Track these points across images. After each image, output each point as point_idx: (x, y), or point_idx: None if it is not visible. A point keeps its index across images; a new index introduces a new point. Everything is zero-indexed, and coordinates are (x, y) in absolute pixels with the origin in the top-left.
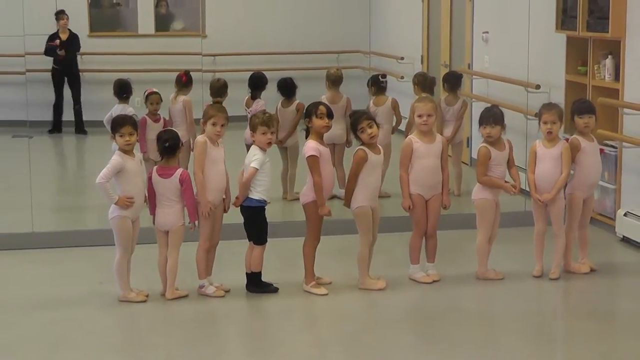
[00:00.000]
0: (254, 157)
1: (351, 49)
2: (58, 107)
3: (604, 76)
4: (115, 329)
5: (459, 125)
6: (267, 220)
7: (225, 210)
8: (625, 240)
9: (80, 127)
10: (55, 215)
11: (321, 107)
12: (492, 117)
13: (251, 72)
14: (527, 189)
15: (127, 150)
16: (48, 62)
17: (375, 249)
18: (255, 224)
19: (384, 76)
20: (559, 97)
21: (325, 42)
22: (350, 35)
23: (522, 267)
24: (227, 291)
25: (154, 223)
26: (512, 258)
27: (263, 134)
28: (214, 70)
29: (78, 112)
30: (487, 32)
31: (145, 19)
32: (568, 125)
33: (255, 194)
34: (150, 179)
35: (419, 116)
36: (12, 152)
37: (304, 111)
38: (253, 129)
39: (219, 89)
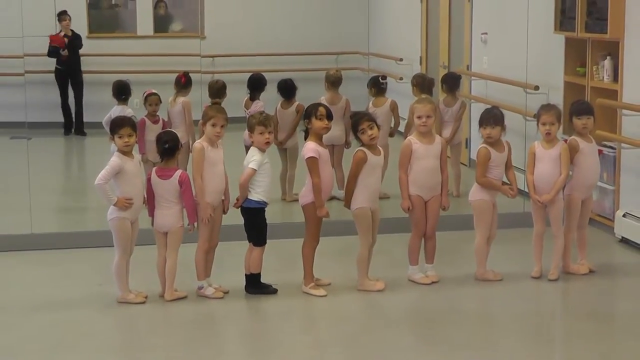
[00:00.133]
0: (252, 158)
1: (350, 50)
2: (65, 108)
3: (603, 77)
4: (114, 331)
5: (458, 127)
6: (267, 221)
7: (224, 212)
8: (624, 241)
9: (79, 128)
10: (54, 216)
11: (321, 109)
12: (493, 118)
13: (250, 74)
14: (526, 190)
15: (126, 152)
16: (47, 63)
17: (374, 250)
18: (255, 225)
19: (384, 78)
20: (557, 98)
21: (324, 43)
22: (349, 37)
23: (521, 268)
24: (226, 292)
25: (152, 224)
26: (510, 259)
27: (261, 133)
28: (212, 71)
29: (78, 113)
30: (485, 33)
31: (144, 20)
32: (567, 126)
33: (255, 195)
34: (149, 180)
35: (418, 117)
36: (11, 154)
37: (304, 112)
38: (251, 130)
39: (217, 90)
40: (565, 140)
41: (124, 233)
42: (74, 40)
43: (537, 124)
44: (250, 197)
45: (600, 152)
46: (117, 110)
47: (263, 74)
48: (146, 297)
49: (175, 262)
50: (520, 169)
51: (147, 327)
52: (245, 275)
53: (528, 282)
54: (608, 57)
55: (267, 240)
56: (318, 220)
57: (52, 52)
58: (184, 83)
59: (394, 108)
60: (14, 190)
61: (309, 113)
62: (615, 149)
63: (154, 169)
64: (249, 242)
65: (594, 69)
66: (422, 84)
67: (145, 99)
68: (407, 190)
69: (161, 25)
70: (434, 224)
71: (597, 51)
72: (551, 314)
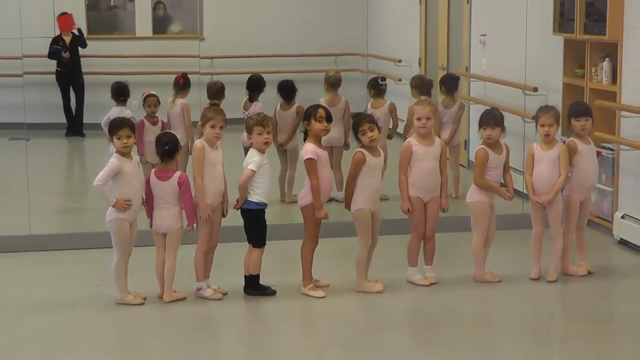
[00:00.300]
0: (251, 160)
1: (349, 51)
2: (67, 110)
3: (602, 79)
4: (112, 332)
5: (457, 128)
6: (266, 222)
7: (223, 214)
8: (623, 242)
9: (78, 129)
10: (53, 217)
11: (320, 111)
12: (493, 119)
13: (249, 75)
14: (525, 192)
15: (124, 153)
16: (46, 64)
17: (374, 252)
18: (255, 226)
19: (383, 79)
20: (556, 100)
21: (323, 45)
22: (348, 38)
23: (520, 269)
24: (225, 294)
25: (151, 226)
26: (509, 260)
27: (259, 134)
28: (211, 72)
29: (79, 114)
30: (484, 35)
31: (143, 21)
32: (565, 127)
33: (255, 197)
34: (148, 181)
35: (418, 119)
36: (10, 155)
37: (303, 114)
38: (249, 131)
39: (216, 92)
40: (564, 142)
41: (122, 234)
42: (75, 42)
43: (536, 126)
44: (250, 198)
45: (598, 153)
46: (116, 111)
47: (262, 75)
48: (145, 299)
49: (174, 264)
50: (519, 170)
51: (146, 329)
52: (245, 276)
53: (527, 283)
54: (607, 59)
55: (266, 242)
56: (317, 222)
57: (53, 53)
58: (182, 84)
59: (392, 110)
60: (12, 191)
61: (308, 115)
62: (614, 150)
63: (153, 170)
64: (249, 243)
65: (593, 71)
66: (421, 86)
67: (144, 100)
68: (407, 192)
69: (160, 26)
70: (433, 226)
71: (595, 53)
72: (550, 316)
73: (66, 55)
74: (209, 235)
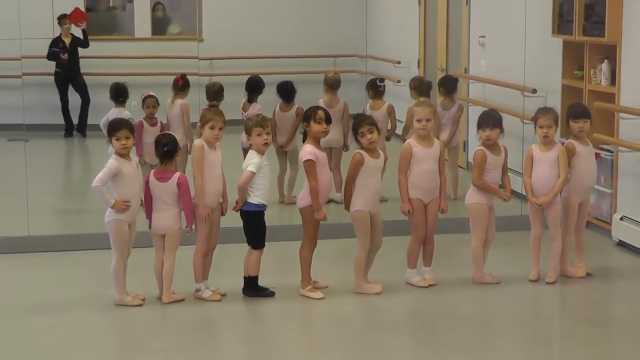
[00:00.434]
0: (251, 161)
1: (348, 52)
2: (66, 111)
3: (600, 80)
4: (111, 333)
5: (455, 129)
6: (265, 224)
7: (223, 213)
8: (622, 244)
9: (82, 129)
10: (52, 218)
11: (320, 112)
12: (492, 120)
13: (248, 76)
14: (524, 193)
15: (123, 154)
16: (45, 65)
17: (377, 253)
18: (254, 228)
19: (381, 80)
20: (555, 102)
21: (322, 46)
22: (347, 39)
23: (519, 271)
24: (224, 295)
25: (150, 227)
26: (508, 262)
27: (258, 135)
28: (210, 74)
29: (84, 114)
30: (483, 36)
31: (142, 22)
32: (564, 129)
33: (254, 198)
34: (147, 182)
35: (418, 121)
36: (9, 156)
37: (303, 115)
38: (248, 133)
39: (215, 93)
40: (562, 144)
41: (121, 235)
42: (75, 43)
43: (535, 127)
44: (249, 200)
45: (597, 155)
46: (115, 112)
47: (261, 76)
48: (143, 300)
49: (172, 265)
50: (518, 172)
51: (145, 330)
52: (244, 277)
53: (526, 285)
54: (606, 61)
55: (265, 243)
56: (316, 223)
57: (52, 55)
58: (181, 85)
59: (391, 111)
60: (11, 192)
61: (307, 116)
62: (612, 152)
63: (152, 171)
64: (249, 245)
65: (592, 73)
66: (420, 87)
67: (143, 101)
68: (407, 194)
69: (159, 27)
70: (432, 227)
71: (594, 54)
72: (549, 317)
73: (64, 57)
74: (207, 237)
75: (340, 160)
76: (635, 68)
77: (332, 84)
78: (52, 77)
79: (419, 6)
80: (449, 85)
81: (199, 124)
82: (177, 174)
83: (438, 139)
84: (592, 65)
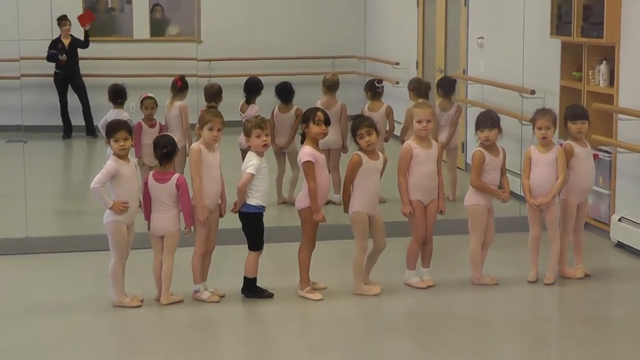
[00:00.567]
0: (250, 163)
1: (346, 54)
2: (65, 113)
3: (599, 82)
4: (109, 335)
5: (454, 131)
6: (264, 225)
7: (221, 215)
8: (620, 245)
9: (90, 129)
10: (50, 220)
11: (319, 114)
12: (490, 120)
13: (246, 77)
14: (522, 194)
15: (121, 155)
16: (43, 67)
17: (380, 255)
18: (253, 230)
19: (379, 81)
20: (553, 103)
21: (321, 48)
22: (346, 41)
23: (517, 272)
24: (222, 296)
25: (148, 228)
26: (507, 263)
27: (258, 136)
28: (209, 75)
29: (87, 115)
30: (482, 38)
31: (141, 24)
32: (562, 130)
33: (253, 200)
34: (146, 184)
35: (419, 121)
36: (7, 157)
37: (302, 117)
38: (247, 134)
39: (213, 95)
40: (561, 145)
41: (119, 237)
42: (74, 44)
43: (533, 129)
44: (248, 201)
45: (596, 156)
46: (113, 114)
47: (259, 77)
48: (142, 301)
49: (171, 266)
50: (516, 173)
51: (143, 331)
52: (244, 277)
53: (524, 286)
54: (604, 62)
55: (264, 244)
56: (314, 225)
57: (51, 57)
58: (180, 87)
59: (389, 113)
60: (9, 193)
61: (306, 118)
62: (611, 153)
63: (151, 172)
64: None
65: (590, 74)
66: (419, 89)
67: (142, 102)
68: (408, 195)
69: (158, 29)
70: (431, 228)
71: (593, 56)
72: (547, 318)
73: (62, 57)
74: (206, 238)
75: (338, 161)
76: (634, 69)
77: (330, 86)
78: (51, 79)
79: (418, 8)
80: (447, 86)
81: (197, 125)
82: (176, 175)
83: (437, 140)
84: (591, 67)
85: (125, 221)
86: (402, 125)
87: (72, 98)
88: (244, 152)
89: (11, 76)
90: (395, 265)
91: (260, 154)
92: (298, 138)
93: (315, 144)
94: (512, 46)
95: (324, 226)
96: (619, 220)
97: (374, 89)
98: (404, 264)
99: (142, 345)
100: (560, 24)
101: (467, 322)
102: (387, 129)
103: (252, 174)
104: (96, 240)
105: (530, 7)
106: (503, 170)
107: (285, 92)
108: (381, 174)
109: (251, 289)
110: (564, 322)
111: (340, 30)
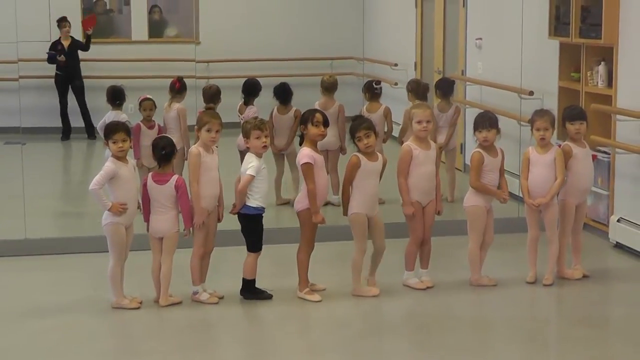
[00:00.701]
0: (250, 165)
1: (345, 55)
2: (64, 115)
3: (597, 82)
4: (108, 336)
5: (453, 132)
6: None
7: (219, 219)
8: (619, 246)
9: (90, 131)
10: (48, 221)
11: (317, 115)
12: (488, 120)
13: (245, 79)
14: (521, 195)
15: (120, 157)
16: (42, 68)
17: (368, 255)
18: (252, 231)
19: (378, 82)
20: (552, 104)
21: (319, 49)
22: (344, 42)
23: (516, 273)
24: (221, 298)
25: (147, 230)
26: (505, 264)
27: (257, 138)
28: (207, 76)
29: (85, 116)
30: (480, 39)
31: (139, 25)
32: (560, 131)
33: (253, 201)
34: (145, 185)
35: (419, 122)
36: (5, 159)
37: (300, 118)
38: (246, 136)
39: (211, 96)
40: (559, 146)
41: (118, 238)
42: (74, 46)
43: (532, 129)
44: (248, 203)
45: (594, 157)
46: (112, 115)
47: (258, 79)
48: (141, 303)
49: (170, 268)
50: (515, 174)
51: (142, 333)
52: (243, 279)
53: (523, 287)
54: (602, 63)
55: (263, 246)
56: (313, 226)
57: (50, 58)
58: (178, 88)
59: (387, 114)
60: (8, 195)
61: (305, 119)
62: (609, 154)
63: (150, 174)
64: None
65: (589, 75)
66: (417, 90)
67: (140, 104)
68: (409, 196)
69: (156, 30)
70: (429, 229)
71: (591, 56)
72: (546, 319)
73: (61, 58)
74: (204, 239)
75: (337, 162)
76: (632, 70)
77: (328, 87)
78: (49, 80)
79: (416, 8)
80: (445, 87)
81: (196, 127)
82: (175, 177)
83: (435, 141)
84: (589, 67)
85: (124, 223)
86: (401, 126)
87: (72, 99)
88: (242, 154)
89: (10, 78)
90: (394, 267)
91: (259, 156)
92: (297, 139)
93: (313, 145)
94: (510, 47)
95: (323, 227)
96: (618, 221)
97: (372, 90)
98: (403, 265)
99: (140, 346)
100: (558, 24)
101: (466, 323)
102: (386, 130)
103: (253, 175)
104: (95, 242)
105: (529, 8)
106: (501, 172)
107: (283, 94)
108: (380, 176)
109: (250, 291)
110: (563, 323)
111: (338, 31)
